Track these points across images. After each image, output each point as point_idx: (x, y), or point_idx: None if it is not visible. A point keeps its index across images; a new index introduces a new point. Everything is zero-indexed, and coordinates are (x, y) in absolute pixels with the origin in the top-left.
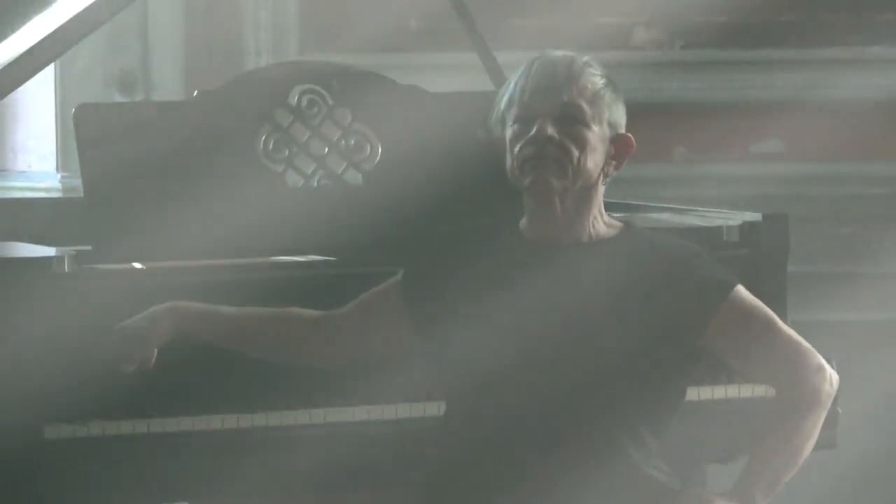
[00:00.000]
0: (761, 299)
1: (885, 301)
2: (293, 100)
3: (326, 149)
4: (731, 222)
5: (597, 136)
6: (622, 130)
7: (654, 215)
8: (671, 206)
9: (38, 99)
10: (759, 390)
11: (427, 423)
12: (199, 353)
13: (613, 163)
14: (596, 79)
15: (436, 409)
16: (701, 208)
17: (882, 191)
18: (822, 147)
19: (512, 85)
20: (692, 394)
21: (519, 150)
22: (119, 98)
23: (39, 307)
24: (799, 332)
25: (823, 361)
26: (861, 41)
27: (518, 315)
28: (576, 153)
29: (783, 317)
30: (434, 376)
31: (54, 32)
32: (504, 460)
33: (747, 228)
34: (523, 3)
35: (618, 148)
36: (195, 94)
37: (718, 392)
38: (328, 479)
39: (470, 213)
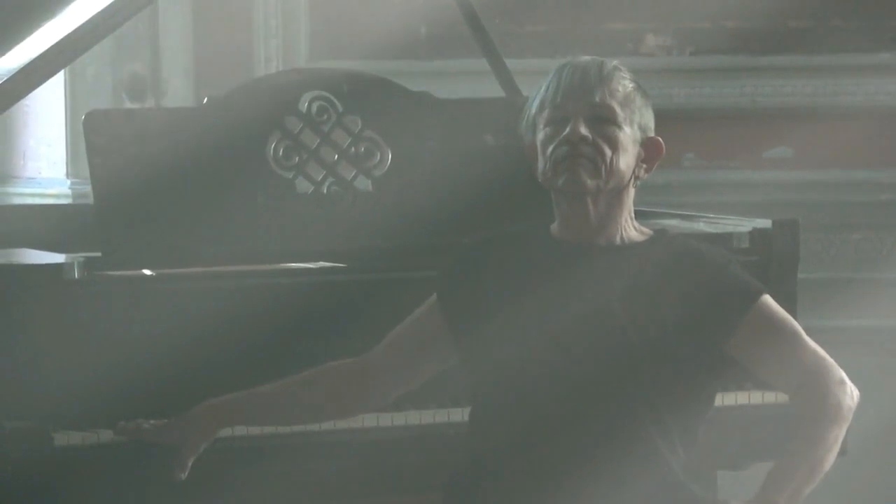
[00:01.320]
0: None
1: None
2: (303, 106)
3: (336, 155)
4: (741, 229)
5: (628, 137)
6: (651, 134)
7: (664, 221)
8: (681, 212)
9: (49, 106)
10: (770, 398)
11: (450, 428)
12: (211, 360)
13: (644, 166)
14: (626, 82)
15: (459, 415)
16: (711, 215)
17: (892, 197)
18: (832, 153)
19: (542, 90)
20: None
21: (552, 151)
22: (129, 105)
23: (49, 313)
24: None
25: (845, 375)
26: (871, 47)
27: (553, 317)
28: (609, 153)
29: None
30: (459, 381)
31: (64, 39)
32: (536, 463)
33: (757, 235)
34: (533, 9)
35: (648, 151)
36: (205, 100)
37: (729, 399)
38: (348, 485)
39: (480, 220)
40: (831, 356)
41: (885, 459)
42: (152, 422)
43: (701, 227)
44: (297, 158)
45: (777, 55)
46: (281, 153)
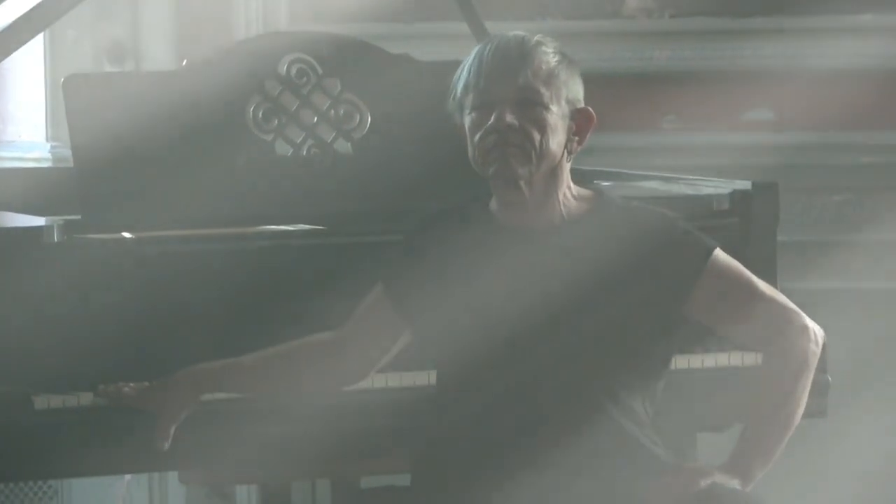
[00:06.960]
0: (751, 268)
1: (876, 269)
2: (283, 69)
3: (316, 118)
4: (721, 191)
5: (556, 115)
6: (581, 105)
7: (644, 184)
8: (661, 174)
9: (28, 69)
10: (750, 359)
11: (429, 390)
12: (191, 322)
13: (576, 139)
14: (549, 57)
15: (425, 378)
16: (690, 177)
17: (872, 159)
18: (813, 116)
19: (466, 70)
20: (682, 363)
21: (480, 140)
22: (109, 68)
23: (29, 277)
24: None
25: (807, 320)
26: (852, 9)
27: (499, 299)
28: (537, 137)
29: (774, 285)
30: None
31: (44, 2)
32: (496, 438)
33: (737, 197)
34: None
35: (579, 123)
36: (184, 63)
37: (709, 361)
38: (321, 448)
39: (459, 183)
40: (812, 318)
41: (861, 419)
42: (133, 385)
43: (680, 189)
44: (276, 121)
45: (758, 17)
46: (261, 116)
